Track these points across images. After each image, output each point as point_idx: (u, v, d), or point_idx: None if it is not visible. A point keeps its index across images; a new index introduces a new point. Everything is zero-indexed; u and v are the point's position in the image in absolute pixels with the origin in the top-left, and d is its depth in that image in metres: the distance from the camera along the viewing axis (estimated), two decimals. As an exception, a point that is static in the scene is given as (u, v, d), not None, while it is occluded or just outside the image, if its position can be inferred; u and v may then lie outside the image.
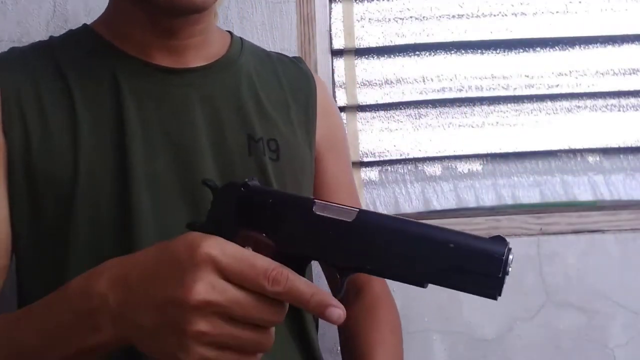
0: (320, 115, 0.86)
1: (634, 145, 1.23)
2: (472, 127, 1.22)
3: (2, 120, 0.68)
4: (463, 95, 1.21)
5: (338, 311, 0.45)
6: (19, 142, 0.68)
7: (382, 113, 1.22)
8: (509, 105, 1.23)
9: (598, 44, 1.22)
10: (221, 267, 0.44)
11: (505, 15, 1.21)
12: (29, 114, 0.69)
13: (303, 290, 0.45)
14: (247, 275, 0.44)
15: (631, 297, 1.18)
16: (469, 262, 0.44)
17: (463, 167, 1.23)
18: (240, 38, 0.86)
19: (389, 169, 1.22)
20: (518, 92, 1.22)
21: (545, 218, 1.18)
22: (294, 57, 0.92)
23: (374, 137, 1.21)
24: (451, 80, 1.21)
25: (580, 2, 1.21)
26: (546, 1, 1.21)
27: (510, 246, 0.44)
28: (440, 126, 1.22)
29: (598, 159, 1.24)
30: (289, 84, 0.85)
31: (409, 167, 1.23)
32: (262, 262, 0.45)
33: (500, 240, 0.44)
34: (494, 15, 1.21)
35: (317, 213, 0.48)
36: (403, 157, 1.21)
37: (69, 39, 0.77)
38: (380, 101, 1.20)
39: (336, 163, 0.90)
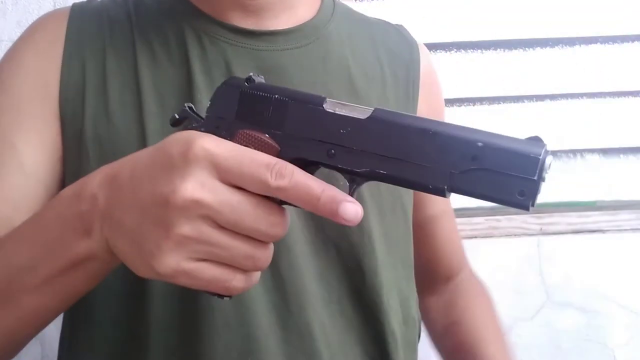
0: (424, 89, 0.75)
1: (634, 146, 1.23)
2: (473, 127, 1.22)
3: (61, 71, 0.63)
4: (463, 95, 1.21)
5: (354, 207, 0.39)
6: (74, 100, 0.63)
7: (382, 113, 1.21)
8: (509, 105, 1.23)
9: (598, 44, 1.22)
10: (217, 164, 0.39)
11: (506, 15, 1.21)
12: (89, 70, 0.64)
13: (311, 184, 0.39)
14: (247, 169, 0.39)
15: (631, 297, 1.18)
16: (499, 162, 0.38)
17: (463, 167, 1.23)
18: (333, 0, 0.74)
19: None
20: (518, 92, 1.22)
21: (545, 218, 1.18)
22: (397, 25, 0.80)
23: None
24: (451, 80, 1.21)
25: (580, 2, 1.21)
26: (546, 1, 1.21)
27: (547, 148, 0.38)
28: (440, 126, 1.22)
29: (598, 159, 1.24)
30: (388, 55, 0.73)
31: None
32: (264, 156, 0.40)
33: (536, 139, 0.39)
34: (494, 15, 1.21)
35: (328, 110, 0.43)
36: (403, 157, 1.21)
37: None
38: (380, 101, 1.20)
39: None
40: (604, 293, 1.18)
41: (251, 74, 0.46)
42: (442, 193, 0.40)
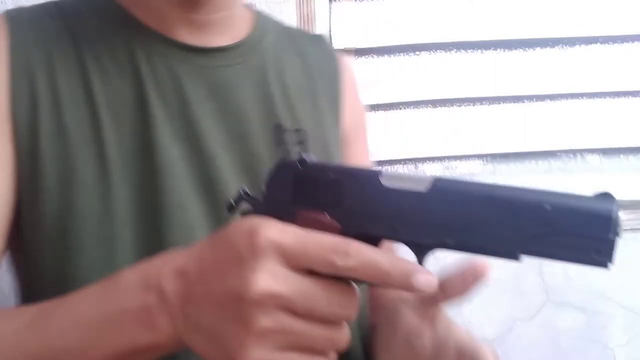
0: (347, 98, 0.77)
1: (634, 145, 1.23)
2: (472, 127, 1.22)
3: (9, 83, 0.60)
4: (463, 95, 1.21)
5: (427, 277, 0.39)
6: (26, 115, 0.60)
7: (381, 113, 1.22)
8: (509, 105, 1.23)
9: (598, 44, 1.22)
10: (283, 251, 0.40)
11: (506, 15, 1.21)
12: (39, 84, 0.61)
13: (380, 259, 0.39)
14: (313, 253, 0.39)
15: (631, 297, 1.18)
16: (570, 224, 0.37)
17: (463, 167, 1.23)
18: (260, 13, 0.75)
19: (389, 168, 1.22)
20: (518, 92, 1.22)
21: (545, 218, 1.18)
22: (315, 35, 0.82)
23: (374, 137, 1.21)
24: (451, 80, 1.21)
25: (580, 2, 1.21)
26: (546, 1, 1.21)
27: (618, 203, 0.37)
28: (440, 126, 1.22)
29: (598, 159, 1.24)
30: (315, 66, 0.75)
31: (409, 167, 1.23)
32: (328, 238, 0.40)
33: (605, 195, 0.38)
34: (495, 15, 1.21)
35: (386, 185, 0.43)
36: (403, 157, 1.21)
37: (83, 2, 0.67)
38: (380, 101, 1.20)
39: (362, 149, 0.81)
40: (604, 293, 1.18)
41: (302, 154, 0.46)
42: (516, 258, 0.40)
